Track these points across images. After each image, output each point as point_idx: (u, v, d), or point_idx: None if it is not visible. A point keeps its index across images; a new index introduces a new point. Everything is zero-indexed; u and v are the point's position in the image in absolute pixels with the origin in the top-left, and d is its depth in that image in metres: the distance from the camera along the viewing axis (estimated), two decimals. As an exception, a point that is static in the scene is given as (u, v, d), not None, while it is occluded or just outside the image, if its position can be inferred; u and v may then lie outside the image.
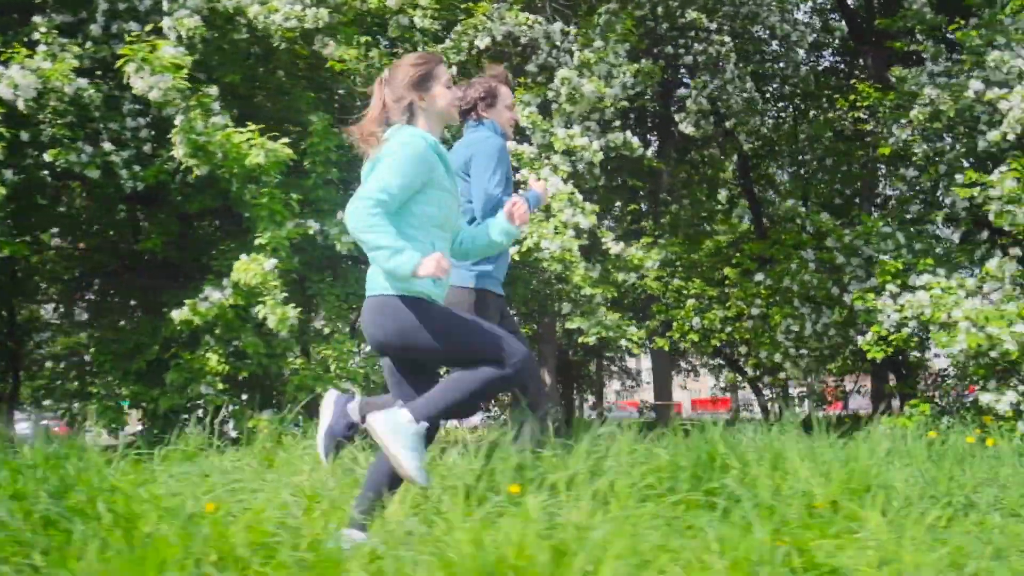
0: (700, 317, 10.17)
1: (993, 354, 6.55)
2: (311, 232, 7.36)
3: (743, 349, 11.32)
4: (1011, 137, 6.65)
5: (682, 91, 9.27)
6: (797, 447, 3.90)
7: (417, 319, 3.03)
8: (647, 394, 21.16)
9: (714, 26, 9.51)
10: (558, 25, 8.64)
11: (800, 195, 11.48)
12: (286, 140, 7.20)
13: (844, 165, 11.83)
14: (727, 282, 10.64)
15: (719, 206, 14.13)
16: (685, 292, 10.41)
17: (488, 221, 3.40)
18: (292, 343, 7.27)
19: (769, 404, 14.88)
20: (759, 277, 9.84)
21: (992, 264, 7.01)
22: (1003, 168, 6.61)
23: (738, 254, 10.62)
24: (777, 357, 9.60)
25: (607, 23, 8.21)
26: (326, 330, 7.78)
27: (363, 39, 7.98)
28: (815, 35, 9.93)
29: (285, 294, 6.88)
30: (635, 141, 8.14)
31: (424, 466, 3.00)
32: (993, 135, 6.70)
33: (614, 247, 7.48)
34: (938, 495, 3.71)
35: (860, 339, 7.76)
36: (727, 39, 9.38)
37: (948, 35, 8.30)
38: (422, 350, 3.08)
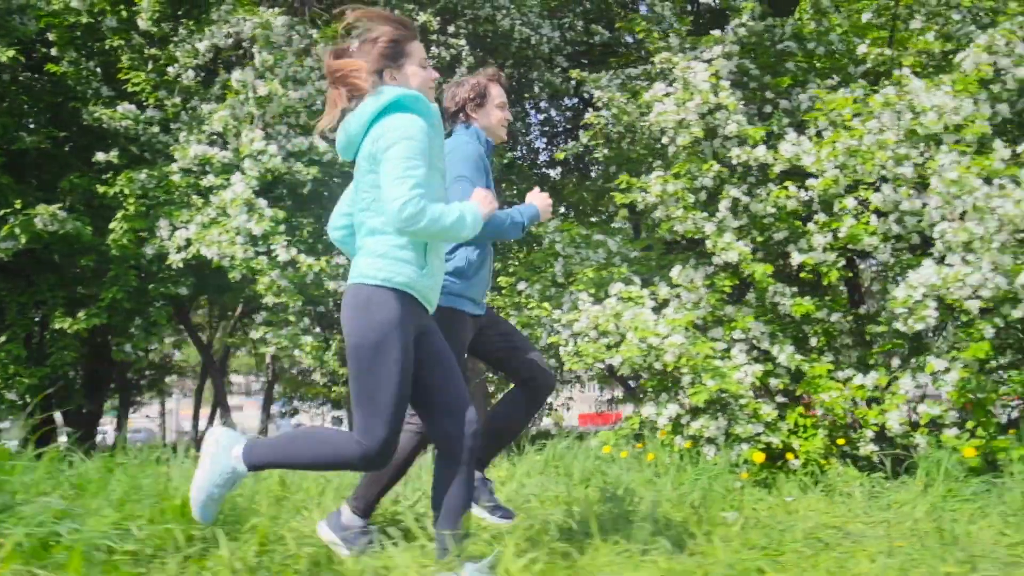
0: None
1: (658, 365, 6.36)
2: None
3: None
4: (680, 142, 6.44)
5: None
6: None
7: (379, 322, 2.70)
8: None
9: (452, 29, 9.33)
10: (282, 19, 8.34)
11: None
12: None
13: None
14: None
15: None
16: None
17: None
18: None
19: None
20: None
21: (674, 272, 6.81)
22: (658, 173, 6.40)
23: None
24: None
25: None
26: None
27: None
28: (553, 41, 9.72)
29: None
30: (322, 146, 7.88)
31: (214, 505, 2.81)
32: (681, 139, 6.44)
33: (283, 254, 7.20)
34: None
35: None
36: (463, 42, 9.19)
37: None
38: (349, 358, 2.74)
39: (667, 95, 6.31)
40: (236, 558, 2.76)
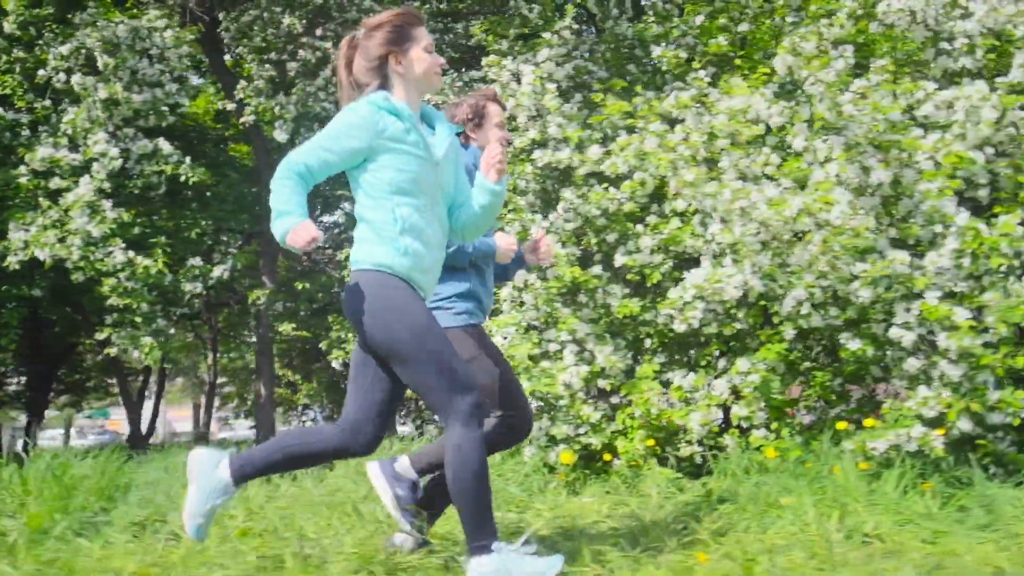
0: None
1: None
2: None
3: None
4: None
5: (281, 98, 9.05)
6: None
7: (382, 304, 2.72)
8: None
9: (319, 32, 9.35)
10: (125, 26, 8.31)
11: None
12: None
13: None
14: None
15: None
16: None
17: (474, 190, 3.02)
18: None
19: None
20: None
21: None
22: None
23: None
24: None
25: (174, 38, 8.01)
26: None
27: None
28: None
29: None
30: (167, 148, 7.89)
31: (208, 524, 2.81)
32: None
33: (120, 255, 7.21)
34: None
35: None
36: (329, 45, 9.21)
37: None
38: (378, 345, 2.74)
39: (488, 98, 6.34)
40: None
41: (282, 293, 12.18)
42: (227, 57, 11.09)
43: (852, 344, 4.57)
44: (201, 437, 23.14)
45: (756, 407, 5.68)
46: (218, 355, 23.49)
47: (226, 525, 3.87)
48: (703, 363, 6.76)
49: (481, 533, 2.69)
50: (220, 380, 29.85)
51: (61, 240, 6.98)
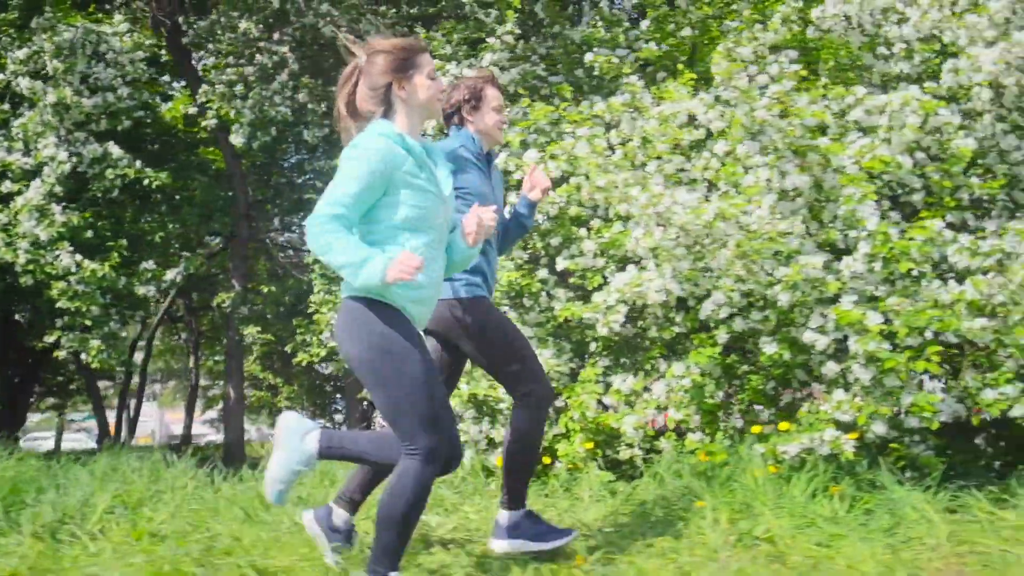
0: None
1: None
2: None
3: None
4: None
5: (237, 102, 9.06)
6: None
7: (370, 330, 2.73)
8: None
9: (276, 36, 9.38)
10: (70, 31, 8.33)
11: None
12: None
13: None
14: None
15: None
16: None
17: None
18: None
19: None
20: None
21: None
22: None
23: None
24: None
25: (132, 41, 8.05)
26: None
27: None
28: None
29: None
30: (116, 152, 7.92)
31: (288, 490, 2.91)
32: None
33: (66, 259, 7.23)
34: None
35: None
36: (285, 49, 9.23)
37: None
38: (362, 375, 2.77)
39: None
40: None
41: (258, 297, 12.22)
42: (195, 62, 11.15)
43: (768, 348, 4.59)
44: (185, 440, 23.11)
45: (690, 411, 5.70)
46: (202, 358, 23.49)
47: (140, 525, 3.90)
48: (647, 366, 6.79)
49: (386, 561, 2.72)
50: (206, 383, 29.87)
51: (8, 244, 7.00)
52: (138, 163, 8.19)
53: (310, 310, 8.72)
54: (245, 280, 11.73)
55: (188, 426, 23.52)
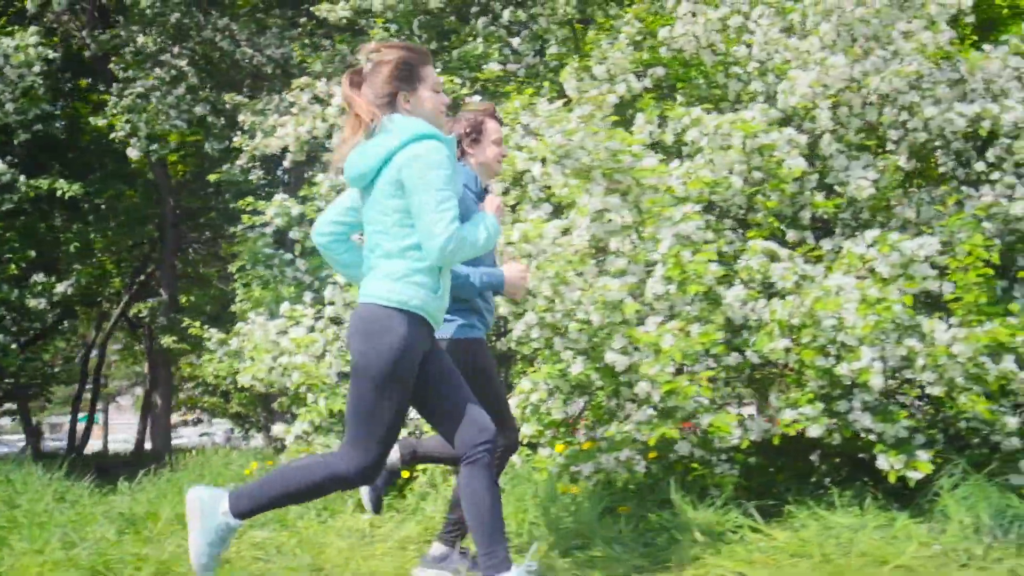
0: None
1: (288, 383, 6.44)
2: None
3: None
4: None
5: (133, 116, 9.11)
6: None
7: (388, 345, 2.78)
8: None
9: (176, 50, 9.42)
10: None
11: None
12: None
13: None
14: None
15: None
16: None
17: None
18: None
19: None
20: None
21: (328, 292, 6.90)
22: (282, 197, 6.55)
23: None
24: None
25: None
26: None
27: None
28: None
29: None
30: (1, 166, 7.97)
31: (215, 562, 2.84)
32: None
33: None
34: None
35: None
36: (184, 63, 9.28)
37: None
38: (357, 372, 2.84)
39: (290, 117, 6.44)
40: None
41: (189, 303, 12.26)
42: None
43: (574, 368, 4.66)
44: (138, 447, 22.91)
45: (536, 426, 5.77)
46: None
47: None
48: (515, 381, 6.86)
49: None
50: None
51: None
52: (23, 177, 8.23)
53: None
54: (171, 289, 11.78)
55: (141, 432, 23.37)
